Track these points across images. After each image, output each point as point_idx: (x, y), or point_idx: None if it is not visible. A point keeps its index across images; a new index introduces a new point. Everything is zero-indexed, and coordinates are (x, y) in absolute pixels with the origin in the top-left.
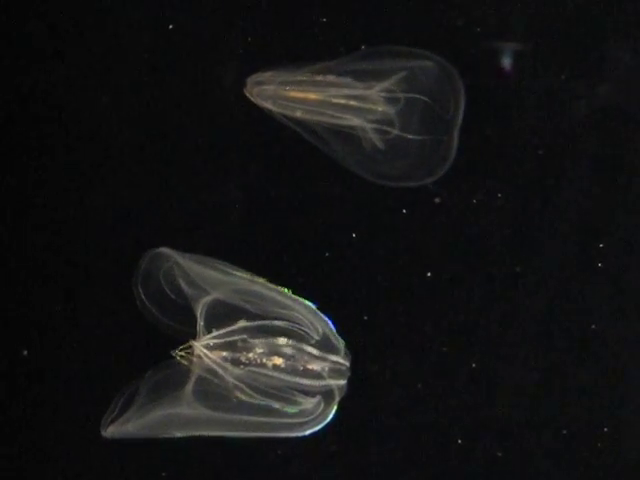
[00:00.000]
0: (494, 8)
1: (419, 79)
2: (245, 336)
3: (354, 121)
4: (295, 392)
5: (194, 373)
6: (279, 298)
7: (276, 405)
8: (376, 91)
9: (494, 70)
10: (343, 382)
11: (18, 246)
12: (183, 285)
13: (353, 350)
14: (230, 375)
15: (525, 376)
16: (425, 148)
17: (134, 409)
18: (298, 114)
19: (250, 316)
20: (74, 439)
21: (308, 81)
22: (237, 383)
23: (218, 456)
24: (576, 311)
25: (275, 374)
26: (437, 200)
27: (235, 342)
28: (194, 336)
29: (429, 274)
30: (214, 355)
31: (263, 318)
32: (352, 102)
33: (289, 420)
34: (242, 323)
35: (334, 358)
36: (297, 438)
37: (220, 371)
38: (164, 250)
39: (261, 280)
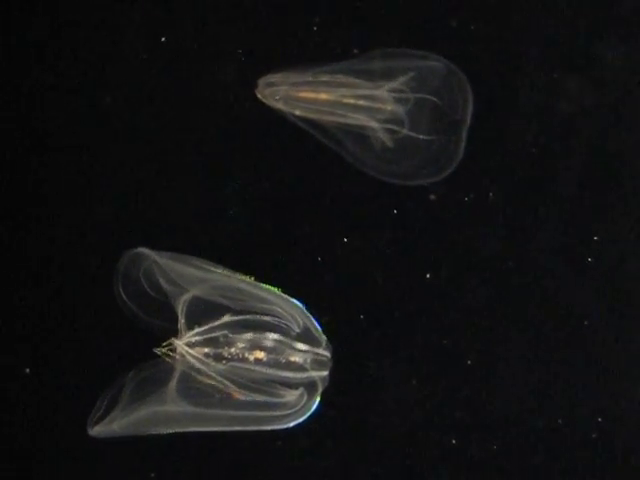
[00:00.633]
0: (492, 9)
1: (428, 79)
2: (226, 332)
3: (364, 121)
4: (278, 385)
5: (177, 370)
6: (259, 293)
7: (260, 399)
8: (385, 91)
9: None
10: (325, 373)
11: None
12: (163, 283)
13: (335, 343)
14: (213, 371)
15: (518, 374)
16: (434, 148)
17: (119, 408)
18: (309, 114)
19: (230, 311)
20: (59, 438)
21: (319, 82)
22: (220, 378)
23: (204, 452)
24: (570, 308)
25: (257, 368)
26: (432, 197)
27: (217, 338)
28: (177, 333)
29: (417, 270)
30: (196, 352)
31: (243, 313)
32: (362, 102)
33: (273, 413)
34: (223, 319)
35: (315, 350)
36: (281, 430)
37: (203, 367)
38: (142, 250)
39: (240, 276)
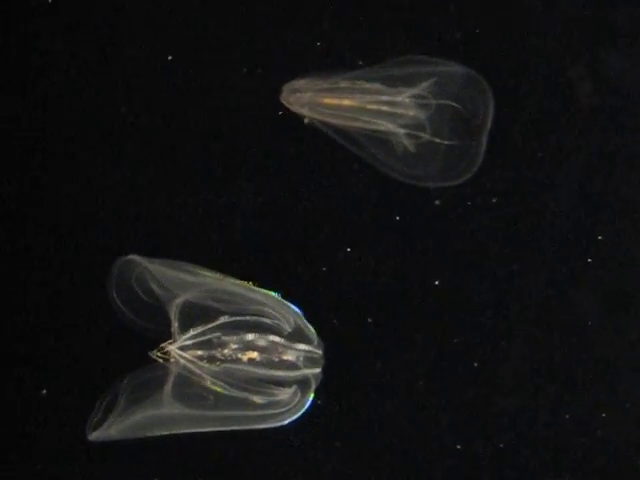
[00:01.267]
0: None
1: (448, 85)
2: (219, 334)
3: (387, 126)
4: (272, 384)
5: (172, 373)
6: (249, 294)
7: (254, 398)
8: (407, 97)
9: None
10: (318, 370)
11: None
12: (155, 289)
13: (327, 340)
14: (207, 373)
15: (519, 374)
16: (455, 152)
17: (116, 413)
18: (333, 120)
19: (222, 314)
20: (56, 443)
21: (343, 88)
22: (214, 380)
23: (201, 452)
24: (572, 309)
25: (251, 368)
26: (437, 202)
27: (210, 340)
28: (171, 337)
29: (418, 273)
30: (190, 355)
31: (235, 315)
32: (384, 108)
33: (268, 411)
34: (215, 321)
35: (307, 347)
36: (277, 428)
37: (197, 370)
38: (133, 257)
39: (231, 279)
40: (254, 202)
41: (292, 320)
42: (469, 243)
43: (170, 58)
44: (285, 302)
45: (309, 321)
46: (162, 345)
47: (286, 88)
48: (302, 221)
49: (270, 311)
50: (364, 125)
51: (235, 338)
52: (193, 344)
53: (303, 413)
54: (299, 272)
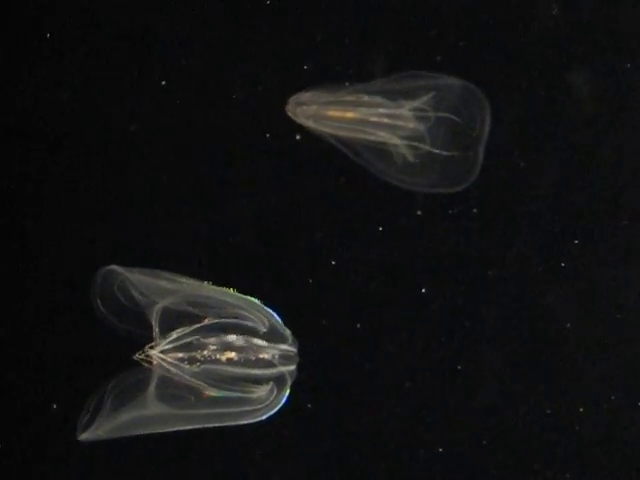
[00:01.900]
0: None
1: (447, 98)
2: (198, 336)
3: (387, 138)
4: (249, 382)
5: (155, 375)
6: (225, 298)
7: (233, 395)
8: (407, 110)
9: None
10: (293, 367)
11: None
12: (136, 296)
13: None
14: (188, 373)
15: (501, 376)
16: (453, 163)
17: (103, 414)
18: (337, 132)
19: (200, 318)
20: (44, 445)
21: (346, 101)
22: (195, 380)
23: (186, 449)
24: (550, 313)
25: (229, 367)
26: (419, 212)
27: (189, 343)
28: (153, 341)
29: (402, 278)
30: (171, 357)
31: (212, 318)
32: (385, 120)
33: (246, 408)
34: (193, 325)
35: (282, 346)
36: (255, 424)
37: (178, 371)
38: (114, 267)
39: (207, 284)
40: (243, 213)
41: (267, 321)
42: (450, 250)
43: (174, 69)
44: (259, 304)
45: (293, 326)
46: (144, 349)
47: (292, 101)
48: (288, 229)
49: (245, 313)
50: (366, 136)
51: (213, 340)
52: (174, 347)
53: (279, 410)
54: (283, 279)
